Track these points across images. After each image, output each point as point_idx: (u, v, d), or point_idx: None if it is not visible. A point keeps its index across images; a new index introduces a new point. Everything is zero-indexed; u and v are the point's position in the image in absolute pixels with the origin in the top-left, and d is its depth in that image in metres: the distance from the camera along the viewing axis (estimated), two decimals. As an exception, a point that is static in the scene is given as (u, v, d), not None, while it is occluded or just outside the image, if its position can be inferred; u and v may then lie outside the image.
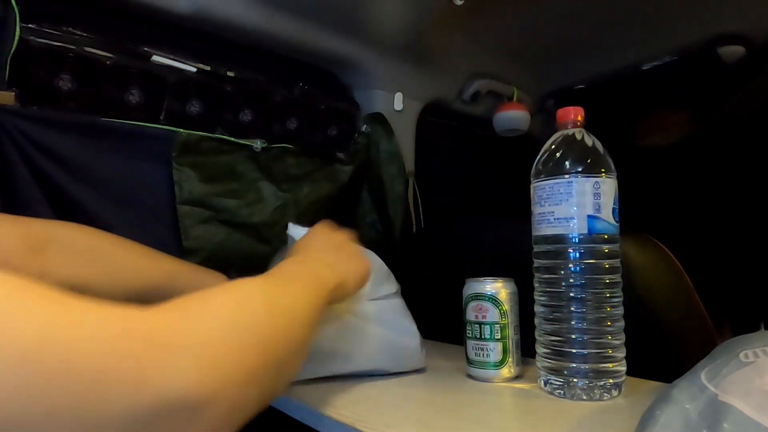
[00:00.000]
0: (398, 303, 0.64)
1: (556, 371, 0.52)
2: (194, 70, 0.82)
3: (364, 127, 1.09)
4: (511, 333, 0.58)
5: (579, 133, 0.53)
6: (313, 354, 0.57)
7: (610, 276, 0.51)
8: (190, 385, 0.24)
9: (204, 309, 0.30)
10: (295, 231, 0.61)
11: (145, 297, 0.62)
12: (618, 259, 0.52)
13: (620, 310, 0.52)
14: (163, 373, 0.23)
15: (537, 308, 0.55)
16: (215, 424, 0.25)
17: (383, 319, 0.60)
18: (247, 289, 0.35)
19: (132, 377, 0.22)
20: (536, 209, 0.54)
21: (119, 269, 0.60)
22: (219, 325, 0.29)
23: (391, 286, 0.63)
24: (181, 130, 0.79)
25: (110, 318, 0.24)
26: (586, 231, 0.51)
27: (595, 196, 0.50)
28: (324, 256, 0.51)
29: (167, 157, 0.78)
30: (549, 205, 0.52)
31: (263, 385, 0.30)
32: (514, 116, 1.31)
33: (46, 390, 0.20)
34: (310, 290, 0.42)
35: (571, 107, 0.54)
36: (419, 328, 0.63)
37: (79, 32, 0.71)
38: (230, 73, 0.87)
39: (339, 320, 0.57)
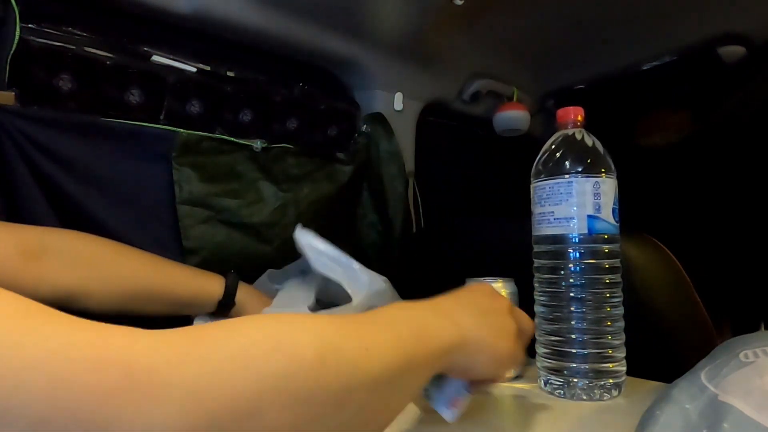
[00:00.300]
0: None
1: (556, 371, 0.52)
2: (194, 70, 0.82)
3: (364, 127, 1.09)
4: (511, 333, 0.58)
5: (579, 133, 0.53)
6: None
7: (610, 276, 0.51)
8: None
9: (223, 346, 0.23)
10: (303, 236, 0.60)
11: (144, 301, 0.62)
12: (618, 259, 0.52)
13: (620, 310, 0.52)
14: (147, 418, 0.19)
15: (537, 308, 0.55)
16: None
17: None
18: (296, 326, 0.26)
19: (116, 416, 0.19)
20: (536, 209, 0.54)
21: (116, 274, 0.59)
22: (234, 373, 0.22)
23: (387, 301, 0.63)
24: (181, 130, 0.79)
25: (95, 344, 0.20)
26: (586, 231, 0.51)
27: (595, 196, 0.50)
28: (456, 309, 0.37)
29: (167, 157, 0.78)
30: (549, 205, 0.52)
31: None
32: (514, 116, 1.31)
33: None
34: (406, 340, 0.31)
35: (571, 107, 0.54)
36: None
37: (79, 32, 0.71)
38: (230, 73, 0.87)
39: None
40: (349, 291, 0.59)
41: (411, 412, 0.50)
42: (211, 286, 0.68)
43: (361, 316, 0.32)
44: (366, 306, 0.60)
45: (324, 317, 0.29)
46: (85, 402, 0.18)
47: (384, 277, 0.63)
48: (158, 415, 0.19)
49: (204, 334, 0.24)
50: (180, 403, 0.20)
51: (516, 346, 0.40)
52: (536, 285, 0.55)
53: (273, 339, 0.24)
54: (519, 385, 0.56)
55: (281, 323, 0.26)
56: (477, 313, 0.38)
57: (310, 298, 0.68)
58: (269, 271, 0.79)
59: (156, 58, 0.78)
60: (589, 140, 0.53)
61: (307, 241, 0.60)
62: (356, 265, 0.61)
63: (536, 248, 0.56)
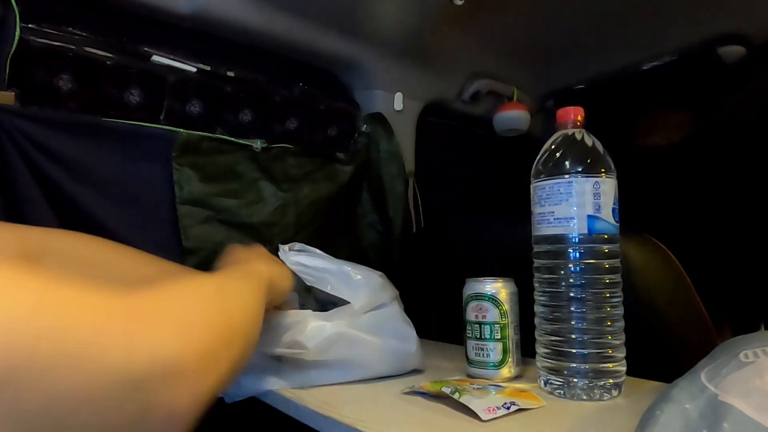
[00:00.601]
0: (395, 309, 0.63)
1: (556, 371, 0.52)
2: (194, 70, 0.82)
3: (364, 127, 1.09)
4: (511, 333, 0.58)
5: (579, 133, 0.53)
6: (314, 365, 0.57)
7: (610, 276, 0.51)
8: (173, 349, 0.28)
9: (175, 293, 0.34)
10: (286, 257, 0.61)
11: None
12: (618, 259, 0.52)
13: (620, 310, 0.52)
14: (150, 341, 0.27)
15: (537, 308, 0.55)
16: (195, 385, 0.29)
17: (381, 328, 0.60)
18: (202, 280, 0.41)
19: (124, 344, 0.26)
20: (536, 209, 0.54)
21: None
22: (187, 305, 0.34)
23: (386, 294, 0.62)
24: (181, 130, 0.79)
25: (101, 297, 0.27)
26: (586, 231, 0.51)
27: (595, 196, 0.50)
28: (253, 262, 0.54)
29: (167, 157, 0.78)
30: (549, 205, 0.52)
31: (227, 356, 0.35)
32: (514, 116, 1.31)
33: (41, 354, 0.22)
34: (251, 283, 0.48)
35: (571, 107, 0.54)
36: (419, 328, 0.63)
37: (79, 32, 0.71)
38: (230, 73, 0.87)
39: (338, 334, 0.56)
40: (347, 298, 0.59)
41: (418, 401, 0.50)
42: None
43: (222, 273, 0.49)
44: (369, 305, 0.60)
45: (210, 275, 0.45)
46: (115, 336, 0.26)
47: (379, 272, 0.63)
48: None
49: (162, 291, 0.33)
50: (172, 328, 0.30)
51: (284, 265, 0.59)
52: (536, 285, 0.55)
53: (195, 286, 0.38)
54: (519, 385, 0.56)
55: (196, 281, 0.39)
56: (259, 259, 0.56)
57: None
58: None
59: (156, 58, 0.78)
60: (589, 140, 0.53)
61: (293, 260, 0.60)
62: (347, 266, 0.61)
63: (536, 248, 0.55)
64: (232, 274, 0.50)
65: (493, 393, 0.50)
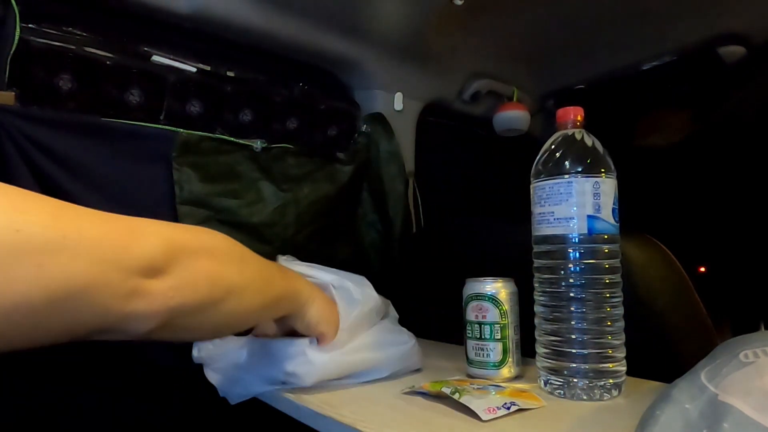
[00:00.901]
0: (391, 319, 0.64)
1: (556, 371, 0.52)
2: (194, 70, 0.82)
3: (364, 127, 1.09)
4: (511, 333, 0.58)
5: (579, 133, 0.53)
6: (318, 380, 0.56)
7: (610, 276, 0.51)
8: (157, 253, 0.36)
9: (192, 228, 0.43)
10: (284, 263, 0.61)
11: None
12: (618, 259, 0.52)
13: (620, 310, 0.52)
14: (141, 244, 0.36)
15: (537, 308, 0.55)
16: (173, 283, 0.37)
17: (378, 344, 0.59)
18: (220, 235, 0.45)
19: (121, 245, 0.35)
20: (536, 209, 0.54)
21: None
22: (187, 233, 0.41)
23: (382, 310, 0.63)
24: (181, 130, 0.79)
25: (118, 219, 0.37)
26: (586, 231, 0.51)
27: (595, 196, 0.50)
28: (291, 273, 0.55)
29: (167, 157, 0.78)
30: (549, 205, 0.52)
31: (208, 290, 0.40)
32: (514, 116, 1.31)
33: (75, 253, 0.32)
34: (273, 273, 0.50)
35: (571, 107, 0.54)
36: (420, 328, 0.63)
37: (79, 32, 0.71)
38: (230, 73, 0.87)
39: (336, 363, 0.56)
40: (343, 315, 0.58)
41: (418, 401, 0.50)
42: None
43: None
44: (364, 327, 0.59)
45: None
46: (116, 239, 0.36)
47: (361, 276, 0.62)
48: None
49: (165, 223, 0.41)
50: (159, 240, 0.38)
51: (336, 318, 0.56)
52: (536, 285, 0.55)
53: (206, 231, 0.45)
54: (519, 385, 0.56)
55: (214, 232, 0.45)
56: (321, 294, 0.57)
57: None
58: None
59: (156, 58, 0.78)
60: (589, 140, 0.53)
61: (296, 269, 0.60)
62: (348, 281, 0.59)
63: (536, 248, 0.55)
64: (253, 257, 0.50)
65: (493, 393, 0.50)
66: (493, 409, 0.46)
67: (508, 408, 0.47)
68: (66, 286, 0.30)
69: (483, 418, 0.45)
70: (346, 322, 0.56)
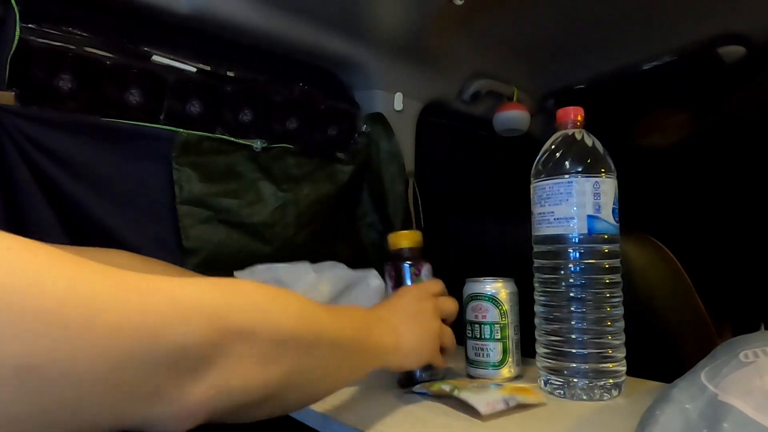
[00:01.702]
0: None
1: (556, 371, 0.52)
2: (194, 70, 0.82)
3: (364, 127, 1.09)
4: (511, 333, 0.58)
5: (579, 133, 0.53)
6: None
7: (610, 276, 0.51)
8: (198, 339, 0.27)
9: (234, 286, 0.32)
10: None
11: None
12: (618, 259, 0.52)
13: (620, 310, 0.52)
14: (177, 327, 0.26)
15: (537, 308, 0.55)
16: (212, 379, 0.28)
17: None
18: (288, 293, 0.36)
19: (149, 329, 0.25)
20: (536, 209, 0.54)
21: None
22: (243, 301, 0.31)
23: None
24: (181, 130, 0.79)
25: (131, 279, 0.26)
26: (586, 231, 0.51)
27: (595, 196, 0.51)
28: (394, 317, 0.49)
29: (167, 157, 0.78)
30: (549, 205, 0.52)
31: (266, 379, 0.31)
32: (514, 116, 1.31)
33: (68, 340, 0.22)
34: (355, 330, 0.41)
35: (571, 107, 0.54)
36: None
37: (79, 32, 0.71)
38: (230, 73, 0.87)
39: None
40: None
41: (418, 401, 0.50)
42: None
43: (329, 306, 0.40)
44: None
45: (305, 298, 0.36)
46: (143, 318, 0.26)
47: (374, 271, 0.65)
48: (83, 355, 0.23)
49: (220, 280, 0.31)
50: (205, 318, 0.28)
51: (435, 345, 0.51)
52: (536, 285, 0.55)
53: (271, 292, 0.34)
54: (520, 385, 0.56)
55: (280, 290, 0.35)
56: (408, 319, 0.49)
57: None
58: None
59: (156, 58, 0.78)
60: (589, 140, 0.53)
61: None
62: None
63: (536, 248, 0.55)
64: (338, 312, 0.42)
65: (493, 389, 0.50)
66: (493, 404, 0.46)
67: (508, 403, 0.47)
68: (61, 400, 0.22)
69: (482, 412, 0.45)
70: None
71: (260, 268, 0.73)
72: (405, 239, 0.59)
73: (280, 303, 0.34)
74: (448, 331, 0.54)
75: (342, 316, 0.41)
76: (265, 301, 0.33)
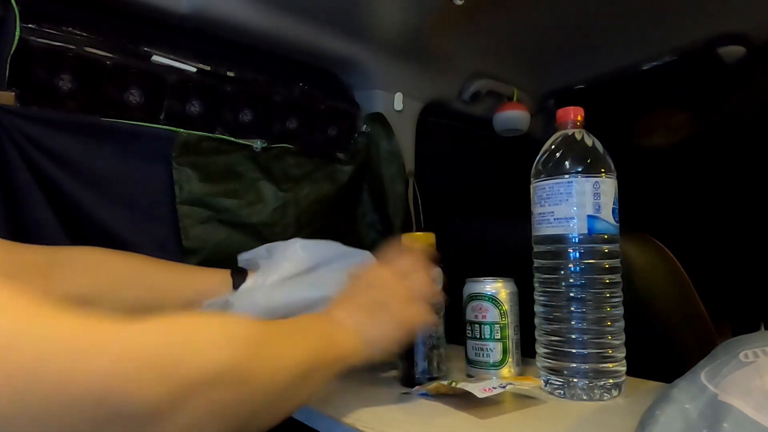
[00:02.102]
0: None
1: (556, 371, 0.52)
2: (194, 70, 0.82)
3: (364, 127, 1.09)
4: (511, 333, 0.58)
5: (579, 133, 0.53)
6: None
7: (610, 276, 0.51)
8: (149, 395, 0.25)
9: (182, 332, 0.30)
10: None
11: (153, 304, 0.62)
12: (618, 259, 0.52)
13: (620, 310, 0.52)
14: (126, 385, 0.25)
15: (537, 308, 0.55)
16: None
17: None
18: (235, 327, 0.34)
19: (96, 387, 0.24)
20: (536, 209, 0.54)
21: (125, 281, 0.59)
22: (192, 350, 0.29)
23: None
24: (181, 130, 0.79)
25: (81, 329, 0.25)
26: (586, 231, 0.51)
27: (595, 196, 0.51)
28: (355, 314, 0.47)
29: (167, 157, 0.78)
30: (549, 205, 0.52)
31: (227, 421, 0.30)
32: (514, 116, 1.31)
33: (13, 388, 0.22)
34: (312, 350, 0.40)
35: (571, 107, 0.54)
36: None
37: (79, 32, 0.71)
38: (230, 73, 0.87)
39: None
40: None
41: (418, 401, 0.50)
42: (218, 283, 0.68)
43: (282, 324, 0.41)
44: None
45: (256, 324, 0.36)
46: (89, 376, 0.24)
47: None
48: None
49: (166, 326, 0.29)
50: (157, 373, 0.26)
51: (401, 332, 0.49)
52: (536, 285, 0.55)
53: (217, 332, 0.32)
54: (519, 385, 0.56)
55: (225, 325, 0.33)
56: (367, 315, 0.47)
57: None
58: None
59: (156, 58, 0.78)
60: (589, 140, 0.53)
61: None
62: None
63: (536, 248, 0.55)
64: (293, 329, 0.42)
65: (493, 381, 0.51)
66: (489, 389, 0.47)
67: (504, 387, 0.48)
68: None
69: (479, 396, 0.45)
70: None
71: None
72: (418, 241, 0.59)
73: (234, 344, 0.32)
74: (422, 309, 0.51)
75: (298, 339, 0.40)
76: (218, 344, 0.31)
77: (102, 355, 0.25)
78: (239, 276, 0.69)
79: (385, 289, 0.50)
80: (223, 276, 0.69)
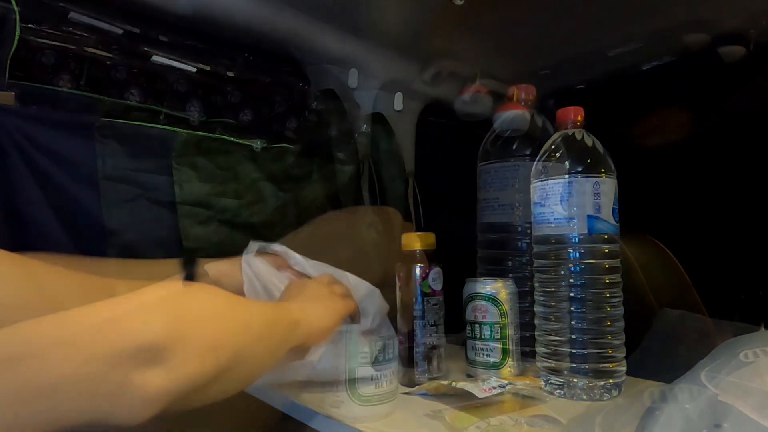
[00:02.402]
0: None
1: (556, 371, 0.52)
2: (194, 70, 0.82)
3: (364, 127, 1.09)
4: (511, 333, 0.58)
5: (579, 133, 0.53)
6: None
7: (610, 276, 0.51)
8: (153, 333, 0.32)
9: (182, 290, 0.38)
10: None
11: None
12: (618, 259, 0.52)
13: (620, 310, 0.52)
14: (137, 325, 0.32)
15: (537, 308, 0.55)
16: (169, 371, 0.32)
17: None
18: (217, 291, 0.41)
19: (115, 330, 0.31)
20: (536, 209, 0.54)
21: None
22: (188, 302, 0.37)
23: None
24: (181, 130, 0.79)
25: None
26: (586, 231, 0.51)
27: (595, 196, 0.51)
28: (300, 302, 0.54)
29: (167, 157, 0.78)
30: (549, 205, 0.52)
31: (211, 360, 0.36)
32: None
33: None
34: (274, 311, 0.48)
35: (571, 107, 0.54)
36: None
37: (79, 32, 0.71)
38: (230, 73, 0.87)
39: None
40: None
41: (419, 401, 0.50)
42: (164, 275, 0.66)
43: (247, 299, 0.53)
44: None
45: (229, 294, 0.42)
46: (108, 323, 0.32)
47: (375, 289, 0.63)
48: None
49: (166, 284, 0.36)
50: (160, 314, 0.33)
51: (339, 318, 0.55)
52: (536, 285, 0.55)
53: (204, 293, 0.40)
54: (519, 385, 0.56)
55: (210, 290, 0.41)
56: (311, 301, 0.54)
57: None
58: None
59: (156, 58, 0.78)
60: (589, 140, 0.53)
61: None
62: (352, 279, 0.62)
63: (536, 248, 0.55)
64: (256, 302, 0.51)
65: (493, 381, 0.51)
66: (489, 389, 0.47)
67: (504, 387, 0.48)
68: (38, 385, 0.27)
69: (479, 396, 0.45)
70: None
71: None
72: (419, 241, 0.59)
73: (220, 299, 0.41)
74: (344, 302, 0.58)
75: (264, 304, 0.53)
76: (212, 298, 0.40)
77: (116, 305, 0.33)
78: (191, 265, 0.68)
79: (321, 289, 0.58)
80: (175, 265, 0.68)
